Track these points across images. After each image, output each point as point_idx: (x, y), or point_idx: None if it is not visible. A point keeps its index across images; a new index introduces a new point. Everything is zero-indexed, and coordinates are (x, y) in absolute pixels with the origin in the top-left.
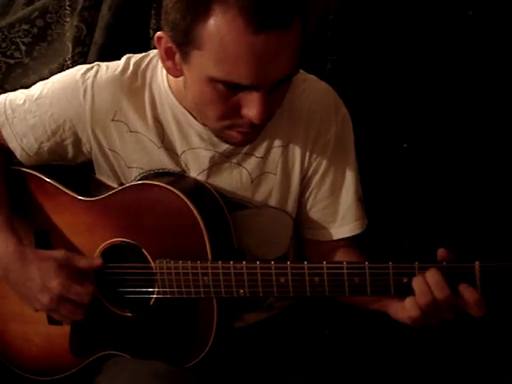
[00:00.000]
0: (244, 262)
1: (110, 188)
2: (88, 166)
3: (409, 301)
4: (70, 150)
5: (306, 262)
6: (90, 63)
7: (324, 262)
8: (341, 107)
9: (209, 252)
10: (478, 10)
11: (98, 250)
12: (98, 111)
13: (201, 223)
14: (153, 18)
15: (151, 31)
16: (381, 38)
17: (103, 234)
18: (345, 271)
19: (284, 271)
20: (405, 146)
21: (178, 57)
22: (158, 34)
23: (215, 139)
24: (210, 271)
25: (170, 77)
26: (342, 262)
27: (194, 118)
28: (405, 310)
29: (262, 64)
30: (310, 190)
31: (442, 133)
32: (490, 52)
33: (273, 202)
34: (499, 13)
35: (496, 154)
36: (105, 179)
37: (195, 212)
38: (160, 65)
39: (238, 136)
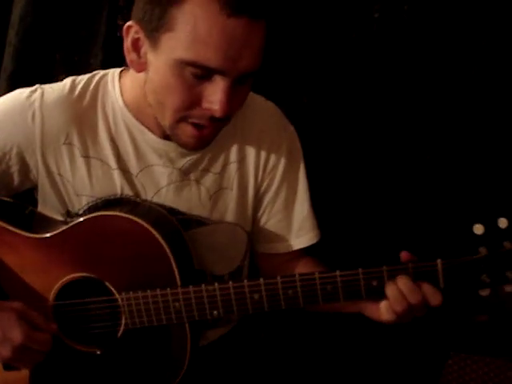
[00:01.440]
0: (216, 284)
1: (54, 221)
2: (26, 197)
3: (384, 305)
4: (16, 178)
5: (279, 277)
6: (1, 91)
7: (297, 275)
8: (288, 125)
9: (177, 277)
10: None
11: (55, 288)
12: (48, 134)
13: (167, 249)
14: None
15: (57, 55)
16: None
17: (60, 271)
18: (317, 281)
19: (257, 288)
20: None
21: (144, 49)
22: (128, 23)
23: (173, 155)
24: (181, 297)
25: (126, 92)
26: (313, 273)
27: (152, 132)
28: (380, 313)
29: (230, 48)
30: (264, 205)
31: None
32: (466, 49)
33: (229, 217)
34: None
35: (474, 153)
36: (48, 211)
37: (159, 238)
38: (111, 83)
39: (193, 130)
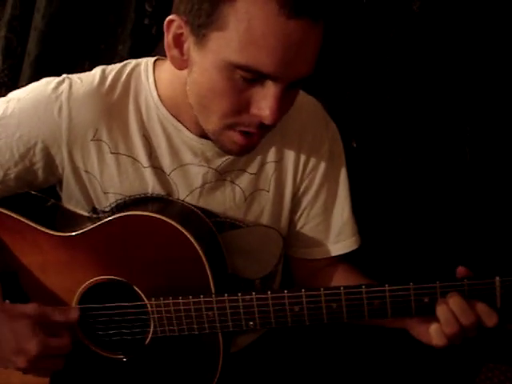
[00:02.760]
0: (254, 293)
1: (80, 218)
2: (49, 191)
3: (434, 329)
4: (40, 175)
5: (322, 289)
6: (25, 76)
7: (341, 288)
8: (330, 122)
9: (212, 284)
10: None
11: (79, 290)
12: (76, 130)
13: (201, 254)
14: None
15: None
16: None
17: (85, 273)
18: (364, 295)
19: (299, 300)
20: (354, 145)
21: (187, 45)
22: (170, 17)
23: (209, 154)
24: (215, 305)
25: (162, 85)
26: (360, 286)
27: (188, 129)
28: (430, 336)
29: (287, 53)
30: (302, 207)
31: (394, 133)
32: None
33: (265, 220)
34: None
35: (447, 154)
36: (72, 206)
37: (194, 242)
38: (145, 74)
39: (240, 139)
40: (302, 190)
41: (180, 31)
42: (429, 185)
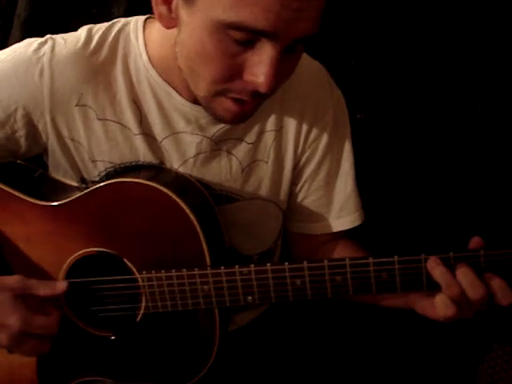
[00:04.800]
0: (252, 266)
1: (69, 187)
2: (37, 160)
3: (440, 299)
4: (23, 143)
5: (325, 260)
6: (14, 39)
7: (347, 259)
8: (335, 89)
9: (207, 255)
10: None
11: (66, 263)
12: (58, 94)
13: (196, 224)
14: None
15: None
16: None
17: (72, 245)
18: (371, 268)
19: (300, 273)
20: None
21: (176, 1)
22: None
23: (203, 121)
24: (210, 279)
25: (152, 46)
26: (367, 257)
27: (180, 94)
28: (436, 308)
29: (283, 9)
30: (303, 179)
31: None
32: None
33: (263, 192)
34: None
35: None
36: (60, 176)
37: (188, 211)
38: (134, 34)
39: (232, 106)
40: (303, 160)
41: None
42: (435, 160)
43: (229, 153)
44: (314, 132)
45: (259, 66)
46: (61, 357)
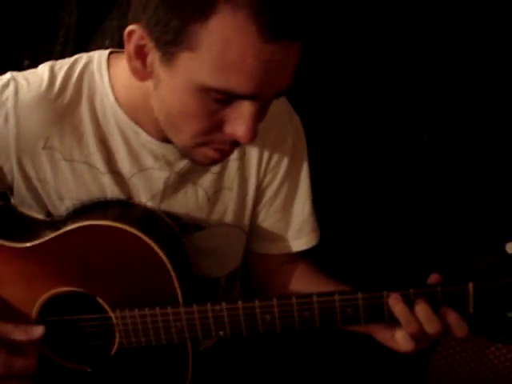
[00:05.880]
0: (223, 304)
1: (35, 222)
2: None
3: (401, 335)
4: None
5: (294, 298)
6: None
7: (314, 296)
8: (294, 116)
9: (179, 294)
10: None
11: (38, 302)
12: (24, 139)
13: (168, 264)
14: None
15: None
16: None
17: (44, 283)
18: (337, 304)
19: (270, 309)
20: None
21: (151, 57)
22: (131, 27)
23: (171, 158)
24: (183, 317)
25: (118, 87)
26: (332, 294)
27: (148, 133)
28: (397, 342)
29: (265, 74)
30: (263, 202)
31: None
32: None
33: (228, 218)
34: None
35: None
36: (25, 209)
37: (156, 248)
38: (99, 73)
39: (213, 154)
40: (264, 184)
41: (142, 42)
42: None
43: (194, 183)
44: (275, 159)
45: (239, 121)
46: None
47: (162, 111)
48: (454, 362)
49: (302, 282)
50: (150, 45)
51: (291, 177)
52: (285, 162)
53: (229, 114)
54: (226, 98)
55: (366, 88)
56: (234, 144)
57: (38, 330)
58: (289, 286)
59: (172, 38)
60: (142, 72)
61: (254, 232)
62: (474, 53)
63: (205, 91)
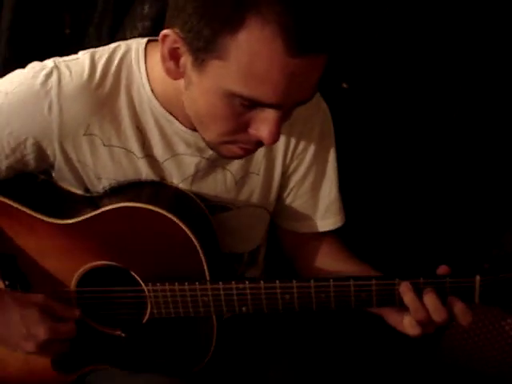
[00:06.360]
0: (247, 282)
1: (74, 197)
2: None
3: (408, 321)
4: (32, 164)
5: (312, 280)
6: None
7: (331, 280)
8: (321, 103)
9: (206, 270)
10: None
11: (77, 273)
12: (67, 127)
13: (195, 242)
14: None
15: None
16: None
17: (82, 258)
18: (351, 288)
19: (289, 290)
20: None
21: (184, 60)
22: (165, 31)
23: (202, 144)
24: (210, 293)
25: (154, 78)
26: (348, 279)
27: (181, 122)
28: (403, 326)
29: (290, 85)
30: (290, 186)
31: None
32: None
33: (254, 200)
34: None
35: None
36: (65, 184)
37: (187, 231)
38: (136, 63)
39: (238, 151)
40: (291, 169)
41: (176, 45)
42: (417, 164)
43: (223, 168)
44: (302, 145)
45: (264, 124)
46: (74, 349)
47: (191, 109)
48: (470, 331)
49: (326, 258)
50: (182, 48)
51: (319, 162)
52: (312, 148)
53: (254, 117)
54: (251, 104)
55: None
56: (259, 144)
57: (77, 312)
58: (313, 261)
59: (203, 46)
60: (175, 72)
61: (283, 211)
62: (477, 52)
63: (232, 96)
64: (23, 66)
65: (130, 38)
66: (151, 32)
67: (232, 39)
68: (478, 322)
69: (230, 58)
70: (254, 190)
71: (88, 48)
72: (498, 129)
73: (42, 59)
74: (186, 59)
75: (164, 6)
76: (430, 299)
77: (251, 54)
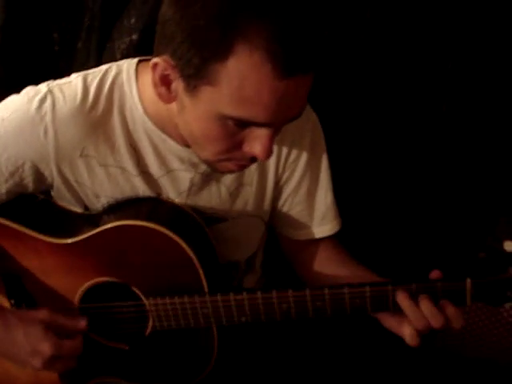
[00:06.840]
0: (244, 293)
1: (74, 216)
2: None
3: (408, 332)
4: (31, 186)
5: (307, 290)
6: None
7: (326, 289)
8: (311, 113)
9: (205, 284)
10: None
11: (80, 290)
12: (63, 150)
13: (193, 256)
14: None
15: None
16: None
17: (84, 275)
18: (346, 296)
19: (286, 300)
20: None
21: (176, 85)
22: (155, 60)
23: (195, 160)
24: (209, 305)
25: (146, 99)
26: (342, 287)
27: (174, 140)
28: (401, 329)
29: (280, 105)
30: (285, 195)
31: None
32: None
33: (248, 210)
34: None
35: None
36: (64, 203)
37: (184, 246)
38: (128, 84)
39: (234, 167)
40: (284, 179)
41: (166, 72)
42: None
43: (217, 181)
44: (293, 154)
45: (257, 141)
46: (81, 362)
47: (186, 131)
48: (469, 319)
49: (325, 262)
50: (173, 75)
51: (312, 170)
52: (304, 156)
53: (247, 136)
54: (244, 124)
55: (376, 81)
56: (253, 160)
57: (83, 322)
58: (312, 266)
59: (194, 73)
60: (167, 96)
61: (280, 220)
62: (474, 50)
63: (225, 119)
64: (15, 85)
65: (119, 51)
66: (140, 44)
67: (222, 66)
68: (477, 309)
69: (221, 83)
70: (247, 200)
71: (78, 63)
72: (493, 129)
73: (33, 77)
74: (178, 84)
75: (151, 18)
76: (425, 306)
77: (241, 79)
